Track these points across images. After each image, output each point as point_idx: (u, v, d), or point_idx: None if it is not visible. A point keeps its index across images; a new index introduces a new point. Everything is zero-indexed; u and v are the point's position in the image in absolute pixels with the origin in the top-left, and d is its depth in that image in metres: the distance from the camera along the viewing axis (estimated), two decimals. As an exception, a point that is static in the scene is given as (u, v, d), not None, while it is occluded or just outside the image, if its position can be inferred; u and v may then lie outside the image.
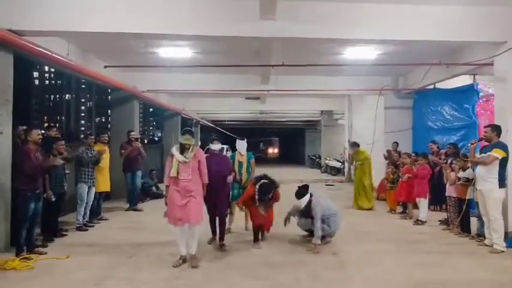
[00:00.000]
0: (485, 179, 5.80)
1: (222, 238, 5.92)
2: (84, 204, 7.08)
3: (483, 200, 5.89)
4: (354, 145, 10.18)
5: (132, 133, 9.32)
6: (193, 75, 11.37)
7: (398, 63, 9.17)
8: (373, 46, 8.27)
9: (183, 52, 8.83)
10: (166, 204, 5.08)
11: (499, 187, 5.72)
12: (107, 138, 8.32)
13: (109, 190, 8.19)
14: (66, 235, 6.56)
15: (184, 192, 4.93)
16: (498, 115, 6.60)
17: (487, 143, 6.02)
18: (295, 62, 8.52)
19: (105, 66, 8.86)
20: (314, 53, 8.90)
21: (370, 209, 9.32)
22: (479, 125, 9.07)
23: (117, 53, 8.92)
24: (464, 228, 6.72)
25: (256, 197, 5.76)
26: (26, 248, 5.39)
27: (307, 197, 5.93)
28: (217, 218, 5.97)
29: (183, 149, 5.02)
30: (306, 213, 6.03)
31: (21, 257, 5.12)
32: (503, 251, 5.64)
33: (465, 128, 9.73)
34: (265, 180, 5.88)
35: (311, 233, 6.09)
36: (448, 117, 10.37)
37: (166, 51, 8.74)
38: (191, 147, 5.02)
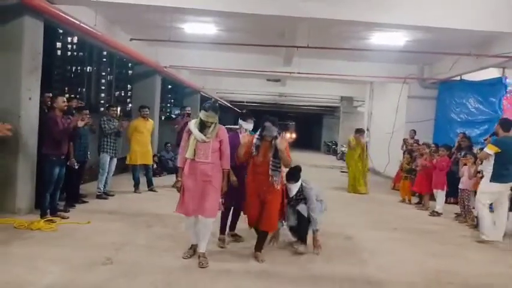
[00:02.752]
0: (485, 173, 5.85)
1: (233, 227, 5.12)
2: (106, 174, 7.26)
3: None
4: (361, 131, 10.21)
5: (187, 108, 9.68)
6: (216, 53, 11.35)
7: (427, 51, 8.96)
8: (402, 32, 8.09)
9: (207, 28, 8.81)
10: (178, 190, 4.34)
11: (490, 181, 5.65)
12: (148, 113, 8.39)
13: (150, 163, 8.39)
14: (86, 202, 6.76)
15: (201, 176, 4.20)
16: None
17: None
18: (320, 45, 8.41)
19: (131, 39, 8.91)
20: (339, 36, 8.75)
21: (364, 194, 9.63)
22: (504, 119, 8.88)
23: (142, 27, 8.93)
24: (481, 222, 6.66)
25: (256, 139, 4.43)
26: (49, 212, 5.61)
27: (300, 182, 4.76)
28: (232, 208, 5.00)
29: (203, 127, 4.24)
30: (296, 201, 4.83)
31: (45, 219, 5.33)
32: (484, 240, 5.63)
33: (489, 122, 9.52)
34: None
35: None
36: (473, 110, 10.16)
37: (191, 27, 8.73)
38: (213, 125, 4.26)
